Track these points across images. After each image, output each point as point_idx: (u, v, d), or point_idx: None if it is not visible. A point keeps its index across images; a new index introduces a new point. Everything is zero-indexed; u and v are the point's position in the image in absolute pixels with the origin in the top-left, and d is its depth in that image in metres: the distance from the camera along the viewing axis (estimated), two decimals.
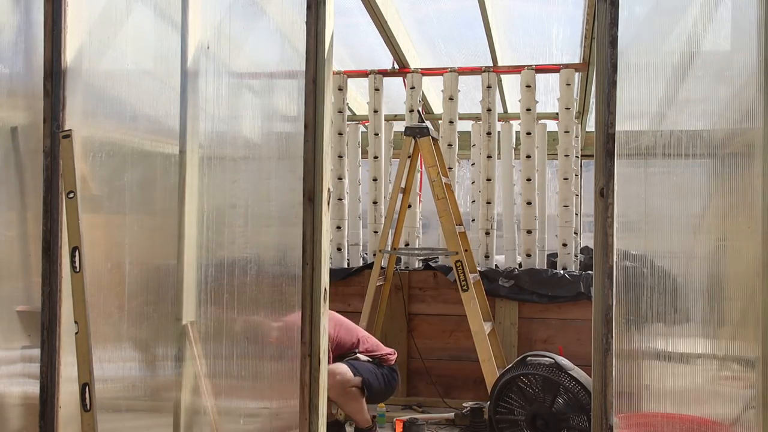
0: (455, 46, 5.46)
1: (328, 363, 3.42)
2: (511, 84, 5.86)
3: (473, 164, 5.41)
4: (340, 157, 5.25)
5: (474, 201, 5.21)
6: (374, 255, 4.86)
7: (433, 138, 4.55)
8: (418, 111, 5.09)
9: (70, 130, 2.70)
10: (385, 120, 5.40)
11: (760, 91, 2.20)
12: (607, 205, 2.40)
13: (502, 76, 5.49)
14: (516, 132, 5.53)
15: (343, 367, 3.73)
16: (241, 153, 3.02)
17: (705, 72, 2.43)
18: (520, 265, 5.00)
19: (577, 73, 5.12)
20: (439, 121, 5.44)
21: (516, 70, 5.16)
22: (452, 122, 5.19)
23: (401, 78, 5.37)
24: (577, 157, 5.37)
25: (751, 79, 2.24)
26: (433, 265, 4.93)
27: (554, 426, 3.49)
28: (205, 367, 2.80)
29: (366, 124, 5.55)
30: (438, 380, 4.78)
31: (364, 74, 5.33)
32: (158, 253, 2.93)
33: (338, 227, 5.16)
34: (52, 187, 2.71)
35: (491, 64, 5.24)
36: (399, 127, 5.71)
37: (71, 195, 2.62)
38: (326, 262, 2.67)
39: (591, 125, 6.15)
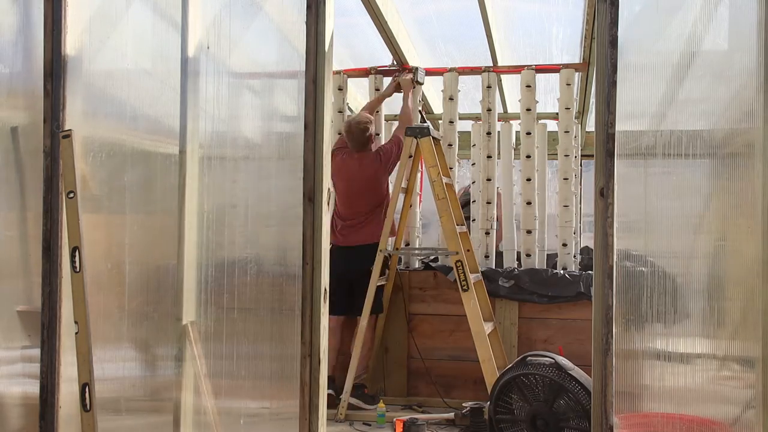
0: (455, 46, 5.46)
1: None
2: (511, 84, 5.86)
3: (473, 164, 5.41)
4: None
5: (474, 201, 5.21)
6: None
7: (434, 138, 4.55)
8: (419, 111, 5.09)
9: (70, 130, 2.70)
10: (385, 120, 5.39)
11: (760, 91, 2.20)
12: (607, 205, 2.40)
13: (502, 76, 5.49)
14: (516, 132, 5.52)
15: None
16: (241, 153, 3.02)
17: (705, 72, 2.43)
18: (519, 264, 5.00)
19: (577, 73, 5.12)
20: (439, 121, 5.43)
21: (516, 70, 5.16)
22: (452, 122, 5.19)
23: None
24: (576, 157, 5.37)
25: (750, 79, 2.24)
26: (433, 265, 4.93)
27: (554, 426, 3.49)
28: (205, 367, 2.80)
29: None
30: (438, 380, 4.77)
31: (364, 73, 5.32)
32: (158, 253, 2.93)
33: None
34: (52, 187, 2.71)
35: (491, 64, 5.23)
36: None
37: (71, 195, 2.62)
38: (326, 262, 2.67)
39: (591, 125, 6.15)
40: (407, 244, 5.07)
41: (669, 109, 2.50)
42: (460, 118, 5.28)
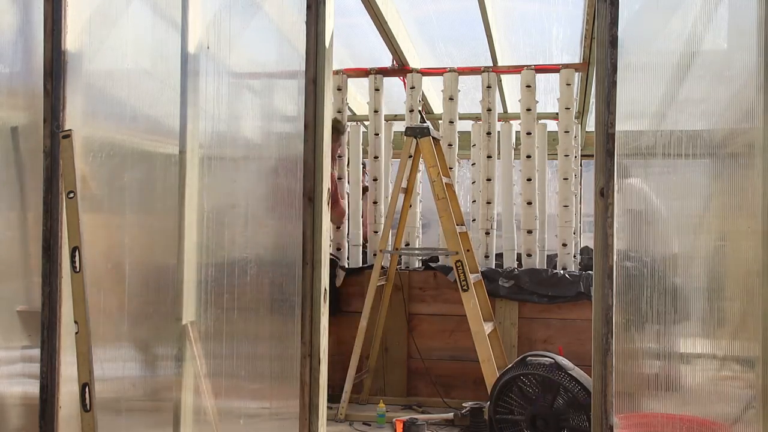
0: (455, 46, 5.46)
1: None
2: (511, 84, 5.86)
3: (473, 164, 5.41)
4: (340, 156, 5.25)
5: (474, 201, 5.21)
6: (374, 255, 4.86)
7: (434, 138, 4.55)
8: (419, 111, 5.09)
9: (70, 130, 2.70)
10: (385, 120, 5.40)
11: (760, 91, 2.20)
12: (607, 205, 2.40)
13: (502, 76, 5.49)
14: (516, 132, 5.52)
15: None
16: (241, 153, 3.02)
17: (705, 72, 2.43)
18: (519, 264, 5.00)
19: (577, 73, 5.12)
20: (439, 121, 5.43)
21: (516, 70, 5.16)
22: (452, 122, 5.19)
23: (401, 77, 5.37)
24: (576, 157, 5.37)
25: (750, 79, 2.23)
26: (433, 265, 4.93)
27: (554, 426, 3.49)
28: (205, 367, 2.80)
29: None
30: (438, 380, 4.77)
31: (364, 73, 5.32)
32: (158, 253, 2.93)
33: (338, 227, 5.16)
34: (52, 187, 2.71)
35: (491, 64, 5.23)
36: (399, 127, 5.70)
37: (71, 195, 2.62)
38: (326, 262, 2.67)
39: (591, 125, 6.15)
40: (407, 244, 5.07)
41: (669, 109, 2.49)
42: (460, 118, 5.28)
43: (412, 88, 5.21)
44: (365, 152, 5.50)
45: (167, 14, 2.94)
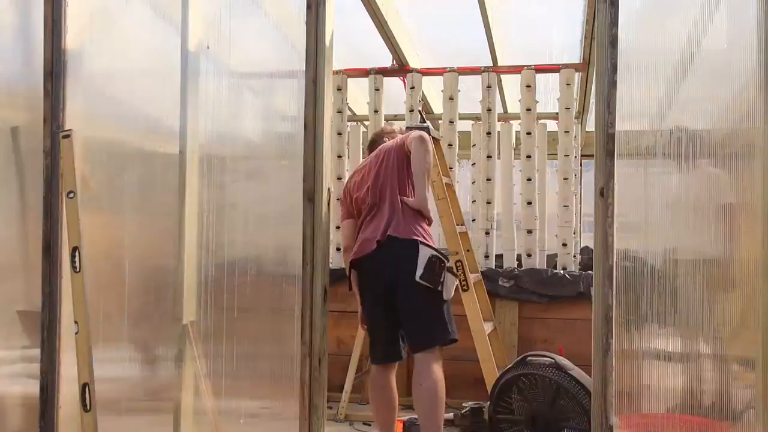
0: (455, 46, 5.46)
1: None
2: (511, 84, 5.86)
3: (473, 164, 5.41)
4: (339, 157, 5.25)
5: (474, 201, 5.21)
6: None
7: (434, 138, 4.55)
8: (419, 111, 5.09)
9: (70, 130, 2.70)
10: (385, 120, 5.39)
11: (760, 91, 2.20)
12: (607, 205, 2.40)
13: (502, 76, 5.49)
14: (516, 132, 5.52)
15: None
16: (241, 153, 3.02)
17: (705, 72, 2.43)
18: (519, 264, 5.00)
19: (577, 73, 5.12)
20: (439, 121, 5.43)
21: (516, 70, 5.16)
22: (452, 122, 5.19)
23: (401, 77, 5.37)
24: (576, 157, 5.37)
25: (750, 79, 2.23)
26: None
27: (554, 426, 3.49)
28: (205, 367, 2.80)
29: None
30: None
31: (364, 73, 5.32)
32: (158, 253, 2.93)
33: (338, 227, 5.15)
34: (52, 187, 2.71)
35: (491, 64, 5.23)
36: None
37: (71, 195, 2.62)
38: (326, 262, 2.67)
39: (591, 125, 6.15)
40: None
41: (669, 109, 2.50)
42: (460, 118, 5.27)
43: (412, 88, 5.21)
44: (365, 152, 5.49)
45: (167, 14, 2.94)
